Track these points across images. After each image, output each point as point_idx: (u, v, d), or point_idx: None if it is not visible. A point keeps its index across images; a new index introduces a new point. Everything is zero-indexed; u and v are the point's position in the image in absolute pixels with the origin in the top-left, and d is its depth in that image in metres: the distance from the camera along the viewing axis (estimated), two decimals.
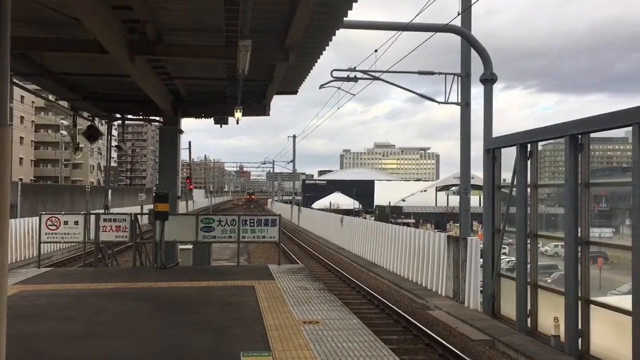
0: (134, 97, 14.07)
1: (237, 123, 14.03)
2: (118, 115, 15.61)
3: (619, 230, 11.71)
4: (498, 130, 14.19)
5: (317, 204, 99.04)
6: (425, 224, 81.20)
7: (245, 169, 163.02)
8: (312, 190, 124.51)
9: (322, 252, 28.89)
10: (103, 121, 16.36)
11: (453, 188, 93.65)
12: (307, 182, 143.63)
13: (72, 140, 15.09)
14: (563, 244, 10.65)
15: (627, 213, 10.39)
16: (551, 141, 11.97)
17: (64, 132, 50.31)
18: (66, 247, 26.48)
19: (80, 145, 14.83)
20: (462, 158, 16.13)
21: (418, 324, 12.14)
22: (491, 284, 13.28)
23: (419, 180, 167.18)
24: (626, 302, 8.96)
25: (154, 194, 13.49)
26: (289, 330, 7.26)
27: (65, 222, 13.34)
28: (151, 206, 13.51)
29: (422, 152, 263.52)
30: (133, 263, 13.97)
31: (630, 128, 8.93)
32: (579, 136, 10.31)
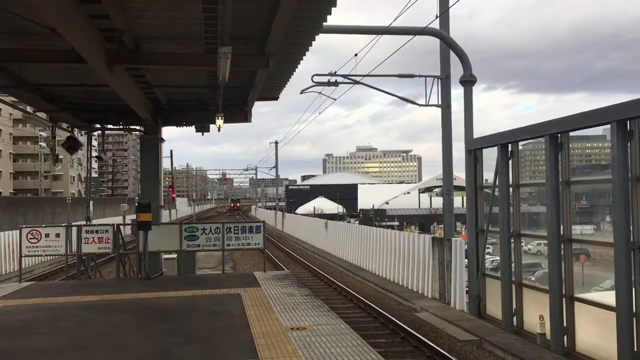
0: (113, 106, 13.93)
1: (219, 130, 13.96)
2: (98, 126, 15.43)
3: (600, 227, 11.86)
4: (480, 131, 14.32)
5: (301, 209, 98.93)
6: (410, 226, 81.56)
7: (228, 176, 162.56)
8: (296, 196, 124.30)
9: (307, 258, 28.83)
10: (82, 132, 16.16)
11: (436, 189, 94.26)
12: (290, 187, 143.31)
13: (51, 152, 14.87)
14: (546, 242, 10.75)
15: (607, 209, 10.53)
16: (531, 141, 12.11)
17: (43, 144, 49.64)
18: (48, 260, 26.07)
19: (60, 157, 14.66)
20: (444, 159, 16.22)
21: (405, 327, 12.15)
22: (476, 284, 13.35)
23: (401, 182, 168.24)
24: (610, 298, 9.06)
25: (136, 204, 13.32)
26: (277, 338, 7.21)
27: (47, 235, 13.13)
28: (134, 216, 13.35)
29: (405, 154, 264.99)
30: (117, 274, 13.80)
31: (608, 126, 9.06)
32: (559, 135, 10.44)
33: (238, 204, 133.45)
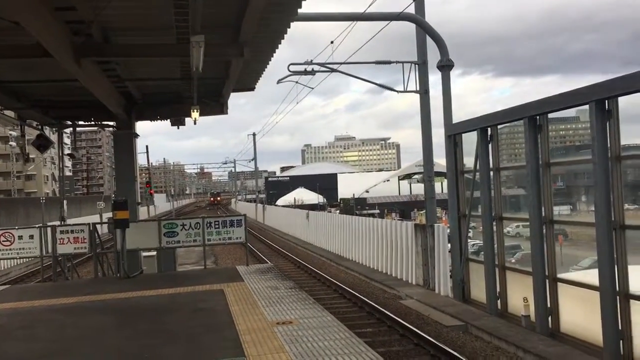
0: (84, 102, 13.60)
1: (195, 123, 13.74)
2: (69, 122, 15.07)
3: (576, 207, 11.95)
4: (457, 117, 14.34)
5: (282, 201, 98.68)
6: (390, 213, 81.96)
7: (206, 170, 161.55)
8: (276, 188, 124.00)
9: (290, 249, 28.76)
10: (53, 129, 15.77)
11: (416, 176, 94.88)
12: (270, 179, 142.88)
13: (21, 151, 14.47)
14: (525, 224, 10.79)
15: (583, 190, 10.60)
16: (507, 124, 12.13)
17: (13, 144, 48.53)
18: (24, 262, 25.55)
19: (31, 156, 14.28)
20: (424, 145, 16.22)
21: (391, 315, 12.14)
22: (460, 269, 13.40)
23: (381, 170, 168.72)
24: (590, 277, 9.13)
25: (112, 202, 13.09)
26: (263, 334, 7.09)
27: (20, 237, 12.82)
28: (111, 214, 13.11)
29: (383, 142, 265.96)
30: (95, 274, 13.56)
31: (582, 107, 9.08)
32: (538, 117, 10.45)
33: (218, 198, 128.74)
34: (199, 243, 13.44)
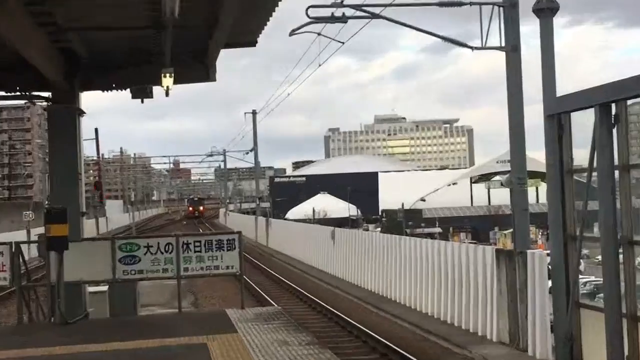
0: (4, 62, 13.74)
1: (167, 95, 13.84)
2: None
3: None
4: (563, 88, 14.17)
5: (294, 213, 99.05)
6: (458, 233, 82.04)
7: (183, 166, 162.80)
8: (285, 192, 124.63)
9: (305, 285, 28.73)
10: None
11: (497, 177, 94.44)
12: (277, 180, 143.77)
13: None
14: None
15: None
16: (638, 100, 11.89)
17: None
18: None
19: None
20: (512, 131, 16.09)
21: None
22: (567, 319, 13.19)
23: (443, 168, 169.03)
24: None
25: (45, 211, 13.22)
26: None
27: None
28: (43, 229, 13.25)
29: (447, 126, 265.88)
30: (18, 319, 13.63)
31: None
32: None
33: (201, 208, 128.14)
34: (171, 274, 13.52)
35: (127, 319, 13.73)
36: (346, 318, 19.83)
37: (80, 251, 13.30)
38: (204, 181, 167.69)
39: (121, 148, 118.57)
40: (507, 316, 15.75)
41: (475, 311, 17.35)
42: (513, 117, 16.12)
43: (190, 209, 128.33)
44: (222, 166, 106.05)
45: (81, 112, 14.85)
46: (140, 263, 13.37)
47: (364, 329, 18.07)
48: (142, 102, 15.36)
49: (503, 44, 15.95)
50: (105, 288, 15.02)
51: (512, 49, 15.84)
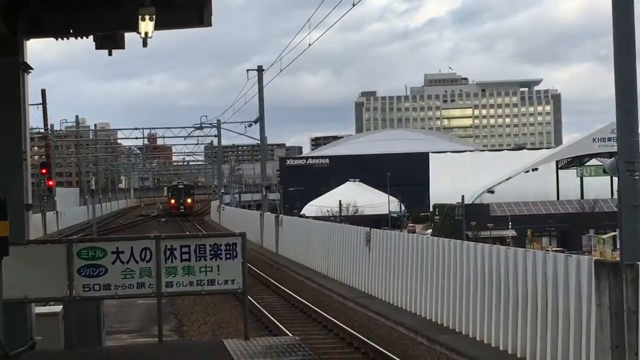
0: None
1: (145, 44, 13.76)
2: None
3: None
4: None
5: (313, 207, 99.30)
6: (538, 237, 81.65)
7: (161, 142, 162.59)
8: (301, 179, 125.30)
9: (330, 308, 28.78)
10: None
11: (594, 161, 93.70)
12: (289, 163, 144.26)
13: None
14: None
15: None
16: None
17: None
18: None
19: None
20: (620, 97, 15.98)
21: None
22: None
23: (520, 148, 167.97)
24: None
25: None
26: None
27: None
28: None
29: (526, 90, 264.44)
30: None
31: None
32: None
33: (189, 201, 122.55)
34: (150, 290, 13.52)
35: (88, 351, 13.76)
36: (387, 352, 19.97)
37: (24, 258, 13.31)
38: (191, 163, 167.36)
39: (77, 117, 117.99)
40: (610, 352, 15.65)
41: (566, 346, 17.37)
42: (621, 78, 15.97)
43: (172, 201, 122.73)
44: (216, 143, 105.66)
45: (27, 68, 14.80)
46: (106, 275, 13.34)
47: None
48: (110, 53, 15.33)
49: None
50: (58, 309, 15.03)
51: None
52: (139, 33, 13.46)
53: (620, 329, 15.46)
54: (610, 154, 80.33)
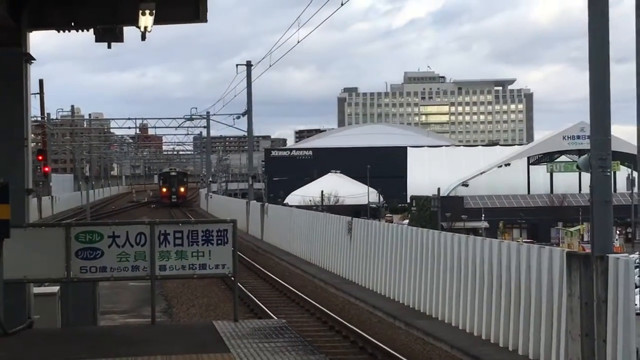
0: None
1: (144, 38, 13.70)
2: None
3: None
4: None
5: (296, 197, 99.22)
6: (510, 229, 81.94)
7: (152, 132, 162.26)
8: (285, 170, 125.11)
9: (314, 292, 28.81)
10: None
11: (564, 157, 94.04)
12: (274, 154, 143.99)
13: None
14: None
15: None
16: None
17: None
18: None
19: None
20: (594, 96, 15.98)
21: None
22: None
23: (493, 144, 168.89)
24: None
25: None
26: None
27: None
28: None
29: (500, 89, 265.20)
30: None
31: None
32: None
33: (182, 190, 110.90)
34: (144, 273, 13.52)
35: (83, 330, 13.72)
36: (367, 335, 20.05)
37: (24, 240, 13.27)
38: (180, 153, 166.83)
39: (72, 107, 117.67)
40: (578, 341, 15.67)
41: (537, 333, 17.40)
42: (595, 77, 15.95)
43: (164, 190, 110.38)
44: (205, 134, 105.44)
45: (29, 58, 14.71)
46: (102, 258, 13.33)
47: (387, 349, 18.38)
48: (109, 46, 15.26)
49: None
50: (55, 289, 15.02)
51: None
52: (139, 27, 13.41)
53: (589, 318, 15.49)
54: (579, 151, 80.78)
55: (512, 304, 18.62)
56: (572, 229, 66.65)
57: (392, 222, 51.13)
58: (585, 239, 64.47)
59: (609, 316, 14.93)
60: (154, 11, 12.81)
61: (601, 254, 15.41)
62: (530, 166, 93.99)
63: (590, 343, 15.45)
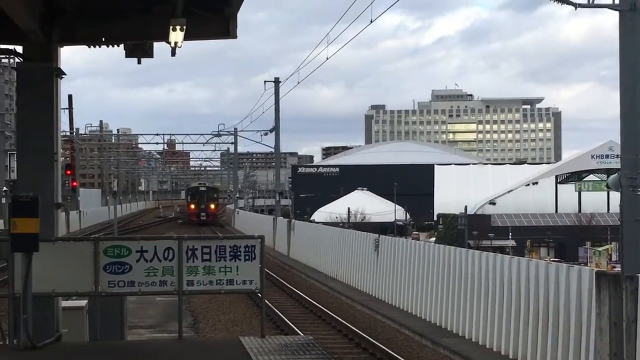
0: None
1: (174, 54, 13.73)
2: None
3: None
4: None
5: (323, 213, 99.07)
6: (537, 248, 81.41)
7: (179, 148, 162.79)
8: (312, 187, 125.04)
9: (340, 309, 28.76)
10: None
11: (592, 177, 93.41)
12: (301, 171, 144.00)
13: None
14: None
15: None
16: None
17: None
18: None
19: None
20: (625, 115, 15.96)
21: None
22: None
23: (521, 162, 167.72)
24: None
25: (10, 200, 13.24)
26: None
27: None
28: (3, 224, 13.29)
29: (528, 107, 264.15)
30: None
31: None
32: None
33: (213, 206, 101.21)
34: (171, 288, 13.51)
35: (111, 345, 13.71)
36: (394, 354, 20.00)
37: (53, 254, 13.27)
38: (207, 169, 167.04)
39: (101, 122, 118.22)
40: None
41: (566, 352, 17.36)
42: (625, 96, 15.96)
43: (192, 206, 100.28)
44: (232, 150, 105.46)
45: (60, 73, 14.75)
46: (131, 272, 13.32)
47: None
48: (139, 62, 15.32)
49: (617, 1, 15.79)
50: (83, 303, 15.00)
51: (630, 7, 15.64)
52: (169, 43, 13.44)
53: (619, 338, 15.39)
54: (607, 171, 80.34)
55: (540, 323, 18.52)
56: (600, 249, 66.14)
57: (418, 240, 50.95)
58: (614, 258, 64.04)
59: (638, 336, 14.85)
60: (184, 27, 12.84)
61: (631, 273, 15.35)
62: (558, 185, 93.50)
63: None
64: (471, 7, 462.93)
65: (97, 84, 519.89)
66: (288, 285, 35.59)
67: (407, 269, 28.04)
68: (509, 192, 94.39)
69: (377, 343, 21.56)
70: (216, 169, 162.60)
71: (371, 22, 24.08)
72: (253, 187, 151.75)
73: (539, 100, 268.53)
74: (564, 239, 79.25)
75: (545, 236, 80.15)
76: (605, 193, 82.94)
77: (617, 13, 15.91)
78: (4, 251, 13.52)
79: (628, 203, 16.00)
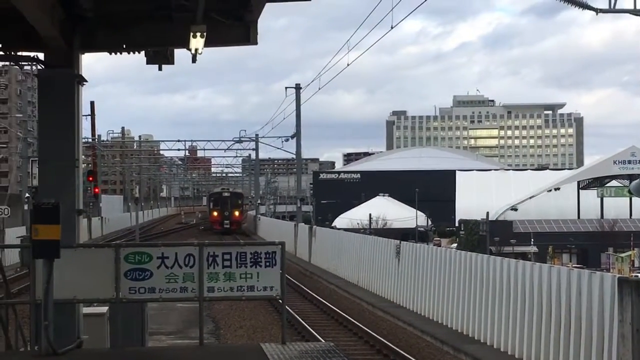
0: None
1: (194, 61, 13.76)
2: None
3: None
4: None
5: (344, 219, 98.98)
6: (558, 255, 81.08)
7: (201, 154, 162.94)
8: (334, 193, 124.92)
9: (361, 316, 28.71)
10: None
11: (615, 182, 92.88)
12: (322, 177, 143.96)
13: None
14: None
15: None
16: None
17: None
18: None
19: None
20: None
21: None
22: None
23: (543, 168, 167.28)
24: None
25: (32, 207, 13.24)
26: None
27: None
28: (22, 230, 13.32)
29: (550, 112, 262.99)
30: None
31: None
32: None
33: (237, 213, 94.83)
34: (192, 295, 13.49)
35: (132, 351, 13.71)
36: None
37: (74, 261, 13.28)
38: (230, 175, 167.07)
39: (123, 128, 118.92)
40: None
41: (588, 359, 17.38)
42: None
43: (215, 213, 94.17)
44: (254, 156, 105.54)
45: (81, 80, 14.80)
46: (151, 279, 13.32)
47: None
48: (160, 68, 15.37)
49: (639, 6, 15.73)
50: (104, 309, 15.07)
51: None
52: (189, 49, 13.46)
53: None
54: (629, 176, 80.00)
55: (562, 330, 18.49)
56: (622, 255, 65.77)
57: (440, 246, 50.80)
58: (637, 264, 63.67)
59: None
60: (205, 33, 12.85)
61: None
62: (581, 191, 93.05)
63: None
64: (493, 13, 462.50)
65: (120, 90, 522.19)
66: (309, 292, 35.66)
67: (428, 275, 28.01)
68: (530, 198, 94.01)
69: (398, 350, 21.57)
70: (237, 175, 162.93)
71: (392, 27, 24.10)
72: (274, 193, 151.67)
73: (561, 105, 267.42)
74: (586, 245, 78.90)
75: (567, 242, 79.77)
76: (628, 199, 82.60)
77: (638, 18, 15.83)
78: (26, 258, 13.57)
79: None
